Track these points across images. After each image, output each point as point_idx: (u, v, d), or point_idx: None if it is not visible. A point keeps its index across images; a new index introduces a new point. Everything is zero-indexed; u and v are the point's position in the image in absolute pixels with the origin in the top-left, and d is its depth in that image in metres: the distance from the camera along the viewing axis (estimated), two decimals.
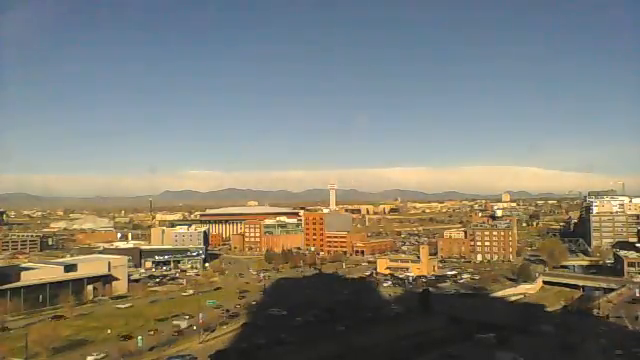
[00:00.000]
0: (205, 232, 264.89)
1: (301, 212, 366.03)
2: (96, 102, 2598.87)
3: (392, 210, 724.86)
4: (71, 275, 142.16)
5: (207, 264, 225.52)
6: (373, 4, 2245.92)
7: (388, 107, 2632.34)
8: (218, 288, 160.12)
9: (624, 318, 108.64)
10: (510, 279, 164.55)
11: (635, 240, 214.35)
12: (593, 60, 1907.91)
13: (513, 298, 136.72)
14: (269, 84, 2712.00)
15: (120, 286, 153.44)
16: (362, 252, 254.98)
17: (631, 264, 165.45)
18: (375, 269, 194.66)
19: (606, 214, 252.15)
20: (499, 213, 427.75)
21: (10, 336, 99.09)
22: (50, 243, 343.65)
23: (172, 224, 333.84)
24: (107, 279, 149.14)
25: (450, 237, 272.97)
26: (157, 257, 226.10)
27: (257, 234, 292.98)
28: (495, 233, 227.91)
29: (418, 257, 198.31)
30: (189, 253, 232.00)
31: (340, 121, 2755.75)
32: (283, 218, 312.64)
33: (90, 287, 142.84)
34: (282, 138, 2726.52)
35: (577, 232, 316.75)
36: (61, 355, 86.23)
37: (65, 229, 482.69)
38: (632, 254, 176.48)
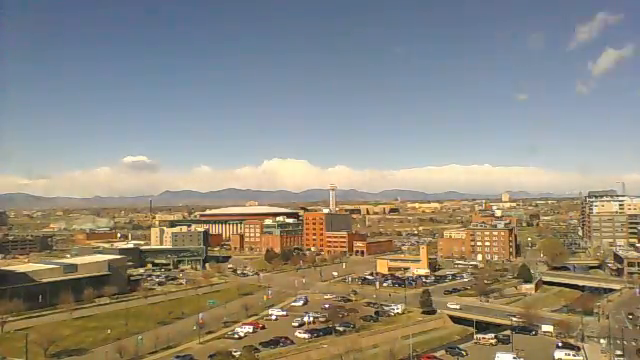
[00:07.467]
0: (205, 232, 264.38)
1: (301, 212, 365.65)
2: (96, 102, 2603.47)
3: (392, 210, 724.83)
4: (71, 275, 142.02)
5: (207, 264, 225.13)
6: (374, 5, 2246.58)
7: (388, 107, 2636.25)
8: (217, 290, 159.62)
9: (624, 318, 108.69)
10: (510, 279, 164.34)
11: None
12: (593, 60, 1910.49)
13: (513, 298, 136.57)
14: (270, 84, 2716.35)
15: (120, 286, 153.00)
16: (362, 252, 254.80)
17: (631, 264, 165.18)
18: (375, 269, 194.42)
19: (606, 214, 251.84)
20: (499, 213, 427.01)
21: (10, 336, 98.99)
22: (50, 243, 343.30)
23: (172, 224, 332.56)
24: (107, 279, 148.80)
25: (450, 237, 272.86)
26: (157, 257, 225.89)
27: (257, 234, 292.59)
28: (495, 233, 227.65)
29: (418, 257, 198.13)
30: (189, 253, 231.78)
31: (340, 121, 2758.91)
32: (283, 218, 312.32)
33: (90, 287, 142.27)
34: (282, 138, 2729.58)
35: (577, 232, 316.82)
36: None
37: (65, 229, 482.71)
38: (632, 254, 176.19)
